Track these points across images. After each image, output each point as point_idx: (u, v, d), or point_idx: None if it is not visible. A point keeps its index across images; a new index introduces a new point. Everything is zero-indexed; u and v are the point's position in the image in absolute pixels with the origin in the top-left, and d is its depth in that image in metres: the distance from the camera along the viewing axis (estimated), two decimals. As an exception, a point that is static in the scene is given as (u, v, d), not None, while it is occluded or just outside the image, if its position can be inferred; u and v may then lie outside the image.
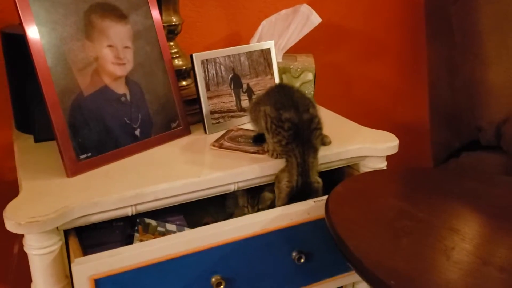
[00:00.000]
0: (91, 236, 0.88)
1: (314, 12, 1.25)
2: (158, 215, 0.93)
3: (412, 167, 0.92)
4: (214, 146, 0.98)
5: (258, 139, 0.98)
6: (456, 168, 1.30)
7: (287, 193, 0.86)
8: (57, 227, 0.75)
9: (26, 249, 0.75)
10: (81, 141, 0.86)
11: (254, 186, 0.92)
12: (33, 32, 0.81)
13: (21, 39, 0.83)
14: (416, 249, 0.66)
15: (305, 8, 1.26)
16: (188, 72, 1.13)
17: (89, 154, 0.87)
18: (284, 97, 0.91)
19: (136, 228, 0.89)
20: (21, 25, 0.81)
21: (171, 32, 1.09)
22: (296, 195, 0.86)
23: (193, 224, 0.94)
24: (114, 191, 0.79)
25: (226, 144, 0.99)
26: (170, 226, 0.93)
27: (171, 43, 1.10)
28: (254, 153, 0.94)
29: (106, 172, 0.87)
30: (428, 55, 1.47)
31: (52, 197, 0.78)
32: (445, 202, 0.79)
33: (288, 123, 0.87)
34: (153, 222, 0.92)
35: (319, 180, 0.88)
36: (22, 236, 0.74)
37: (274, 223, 0.84)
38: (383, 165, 0.99)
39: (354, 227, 0.72)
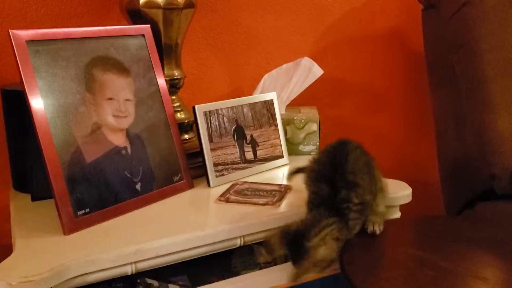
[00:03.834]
0: (88, 299, 0.82)
1: (315, 64, 1.25)
2: (160, 275, 0.88)
3: (428, 215, 0.87)
4: (220, 200, 0.94)
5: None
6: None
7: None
8: (51, 288, 0.70)
9: (17, 313, 0.69)
10: (79, 196, 0.82)
11: (261, 240, 0.87)
12: (32, 86, 0.80)
13: (21, 95, 0.81)
14: (442, 300, 0.60)
15: (306, 61, 1.26)
16: (190, 126, 1.11)
17: (87, 210, 0.83)
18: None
19: (136, 289, 0.83)
20: (20, 78, 0.79)
21: (173, 86, 1.08)
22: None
23: (197, 285, 0.88)
24: (112, 248, 0.74)
25: (233, 198, 0.95)
26: (173, 287, 0.87)
27: (173, 97, 1.09)
28: (264, 204, 0.90)
29: (105, 229, 0.82)
30: (433, 105, 1.45)
31: (47, 255, 0.73)
32: (468, 250, 0.73)
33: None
34: (154, 283, 0.86)
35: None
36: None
37: (284, 279, 0.78)
38: (397, 215, 0.94)
39: (372, 279, 0.66)
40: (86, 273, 0.72)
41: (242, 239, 0.84)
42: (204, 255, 0.82)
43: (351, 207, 0.75)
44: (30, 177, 0.95)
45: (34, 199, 0.96)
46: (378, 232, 0.79)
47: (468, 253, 0.73)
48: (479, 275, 0.66)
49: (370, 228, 0.80)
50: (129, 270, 0.75)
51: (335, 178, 0.77)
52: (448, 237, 0.78)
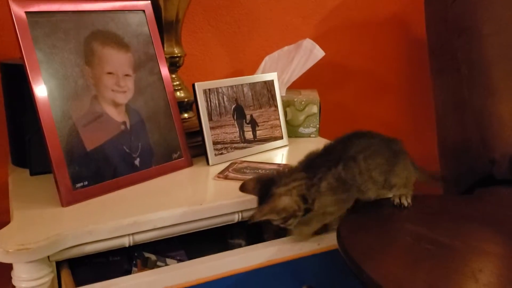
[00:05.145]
0: (86, 272, 0.82)
1: (317, 46, 1.24)
2: (158, 249, 0.88)
3: (426, 194, 0.87)
4: (219, 177, 0.93)
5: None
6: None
7: None
8: (48, 258, 0.70)
9: (14, 281, 0.69)
10: (78, 169, 0.82)
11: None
12: (31, 57, 0.79)
13: (20, 69, 0.81)
14: (440, 273, 0.60)
15: (308, 43, 1.25)
16: (190, 105, 1.11)
17: (86, 182, 0.83)
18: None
19: (134, 262, 0.83)
20: (19, 48, 0.79)
21: (173, 64, 1.07)
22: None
23: (194, 261, 0.88)
24: (110, 219, 0.74)
25: (232, 175, 0.94)
26: (171, 261, 0.87)
27: (173, 75, 1.08)
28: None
29: (103, 202, 0.82)
30: (434, 90, 1.45)
31: (44, 226, 0.72)
32: (467, 226, 0.73)
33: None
34: (152, 257, 0.86)
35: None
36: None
37: (281, 253, 0.79)
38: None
39: (370, 251, 0.66)
40: (83, 244, 0.72)
41: (240, 214, 0.84)
42: (202, 229, 0.82)
43: (330, 167, 0.77)
44: (29, 151, 0.95)
45: (32, 173, 0.96)
46: (406, 204, 0.81)
47: (468, 229, 0.73)
48: (479, 249, 0.66)
49: (396, 200, 0.82)
50: (126, 242, 0.75)
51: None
52: (446, 214, 0.78)
